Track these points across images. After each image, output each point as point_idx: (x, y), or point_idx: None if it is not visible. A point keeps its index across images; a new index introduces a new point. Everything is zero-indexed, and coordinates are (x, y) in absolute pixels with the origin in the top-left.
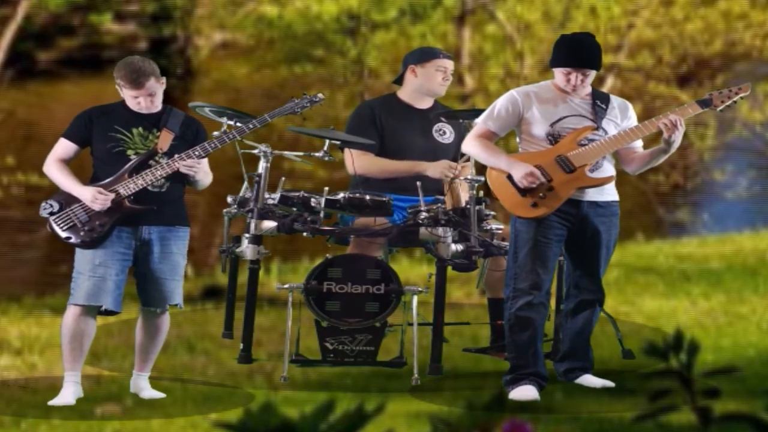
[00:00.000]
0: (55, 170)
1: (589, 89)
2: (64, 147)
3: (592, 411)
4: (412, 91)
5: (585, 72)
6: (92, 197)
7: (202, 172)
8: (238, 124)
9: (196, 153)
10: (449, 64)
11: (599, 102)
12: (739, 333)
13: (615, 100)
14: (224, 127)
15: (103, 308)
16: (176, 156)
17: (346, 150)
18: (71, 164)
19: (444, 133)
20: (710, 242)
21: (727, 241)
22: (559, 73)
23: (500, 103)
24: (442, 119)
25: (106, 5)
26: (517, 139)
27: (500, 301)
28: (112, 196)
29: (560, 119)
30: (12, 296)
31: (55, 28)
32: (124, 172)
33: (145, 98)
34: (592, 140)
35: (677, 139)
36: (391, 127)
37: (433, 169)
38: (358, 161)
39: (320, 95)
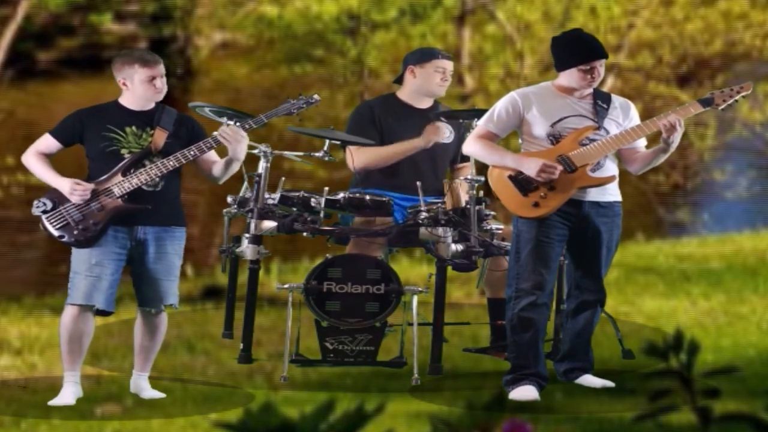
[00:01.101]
0: (33, 161)
1: (591, 89)
2: (46, 142)
3: (592, 411)
4: (411, 91)
5: (602, 62)
6: (70, 189)
7: (243, 147)
8: (237, 124)
9: (192, 153)
10: (448, 65)
11: (600, 102)
12: (739, 333)
13: (616, 100)
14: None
15: (95, 308)
16: (171, 156)
17: (347, 148)
18: (73, 164)
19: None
20: (710, 242)
21: (727, 241)
22: (576, 71)
23: (500, 104)
24: (442, 119)
25: (106, 5)
26: (519, 140)
27: (500, 301)
28: (91, 186)
29: (561, 119)
30: (12, 296)
31: (55, 28)
32: (117, 171)
33: (160, 78)
34: (594, 140)
35: (676, 139)
36: (390, 126)
37: (421, 139)
38: (357, 156)
39: (316, 96)
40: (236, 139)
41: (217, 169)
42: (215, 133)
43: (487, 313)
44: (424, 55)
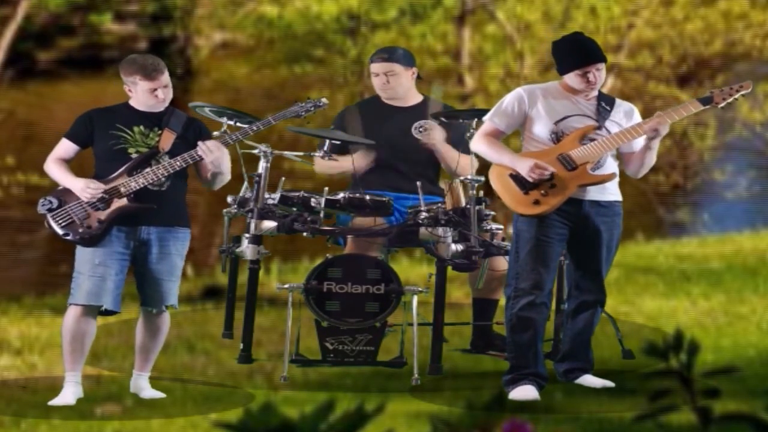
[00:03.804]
0: (53, 167)
1: (596, 91)
2: (64, 147)
3: (592, 411)
4: None
5: (599, 66)
6: (83, 187)
7: (226, 162)
8: (239, 125)
9: (198, 154)
10: (380, 68)
11: (604, 104)
12: (739, 333)
13: (621, 104)
14: (224, 128)
15: (103, 308)
16: (178, 156)
17: (349, 156)
18: (73, 163)
19: (425, 130)
20: (710, 242)
21: (727, 241)
22: (574, 76)
23: (507, 100)
24: (435, 118)
25: (106, 5)
26: (521, 138)
27: (488, 301)
28: (103, 186)
29: (564, 118)
30: (12, 296)
31: (55, 28)
32: (123, 171)
33: (163, 89)
34: (594, 139)
35: (661, 132)
36: (370, 126)
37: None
38: (358, 161)
39: (324, 100)
40: (212, 151)
41: (208, 177)
42: (215, 133)
43: (477, 313)
44: (369, 61)
